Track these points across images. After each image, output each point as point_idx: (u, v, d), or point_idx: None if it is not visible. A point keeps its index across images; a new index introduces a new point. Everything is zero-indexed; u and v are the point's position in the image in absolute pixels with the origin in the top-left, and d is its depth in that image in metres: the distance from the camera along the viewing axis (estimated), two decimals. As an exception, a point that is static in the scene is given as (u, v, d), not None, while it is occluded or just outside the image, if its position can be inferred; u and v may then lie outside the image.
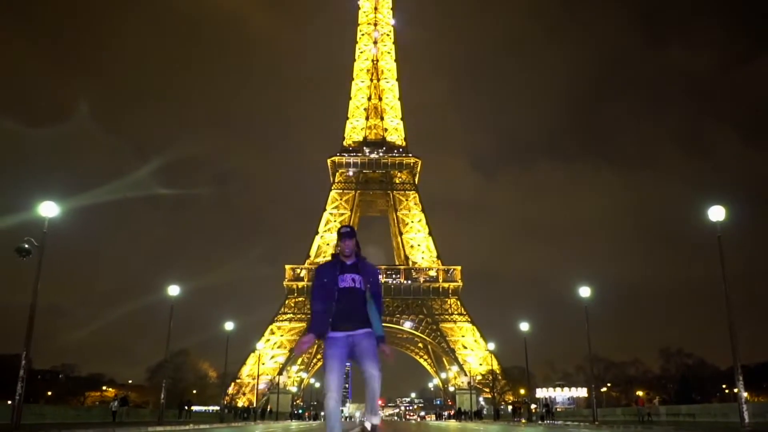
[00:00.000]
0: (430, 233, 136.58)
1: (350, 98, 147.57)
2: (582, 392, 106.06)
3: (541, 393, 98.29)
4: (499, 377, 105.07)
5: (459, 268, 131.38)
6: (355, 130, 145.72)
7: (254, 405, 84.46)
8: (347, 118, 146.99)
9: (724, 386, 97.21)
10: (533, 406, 75.29)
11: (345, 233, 6.07)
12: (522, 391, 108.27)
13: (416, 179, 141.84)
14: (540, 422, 42.59)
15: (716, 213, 23.29)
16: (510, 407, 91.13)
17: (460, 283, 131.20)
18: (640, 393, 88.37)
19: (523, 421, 53.72)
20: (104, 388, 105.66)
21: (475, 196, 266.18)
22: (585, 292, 37.81)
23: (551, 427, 28.81)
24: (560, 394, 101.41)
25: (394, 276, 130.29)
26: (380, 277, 6.31)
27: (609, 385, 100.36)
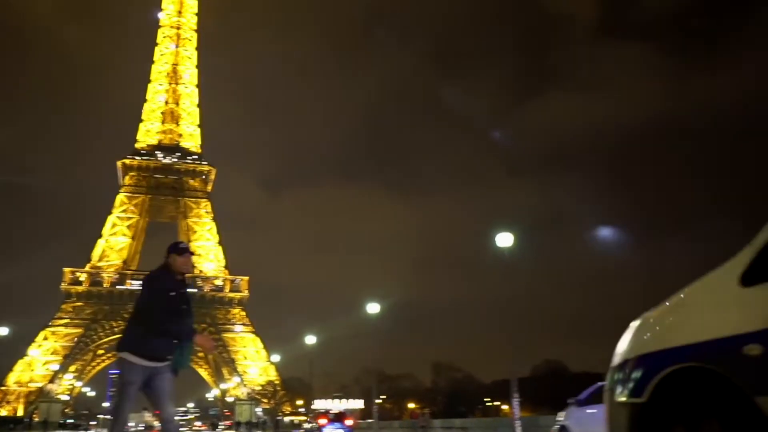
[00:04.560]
0: (219, 242, 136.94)
1: (146, 100, 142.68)
2: (359, 404, 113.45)
3: (318, 404, 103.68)
4: (279, 388, 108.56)
5: (246, 278, 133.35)
6: (149, 133, 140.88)
7: (20, 414, 78.62)
8: (141, 121, 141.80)
9: (486, 399, 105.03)
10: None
11: (186, 248, 5.45)
12: (299, 402, 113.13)
13: (209, 188, 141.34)
14: None
15: (504, 239, 24.48)
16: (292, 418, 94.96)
17: (246, 294, 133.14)
18: (411, 405, 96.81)
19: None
20: None
21: (266, 211, 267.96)
22: (373, 308, 40.87)
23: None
24: (337, 405, 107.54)
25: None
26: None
27: (384, 397, 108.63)
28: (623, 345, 2.97)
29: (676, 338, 2.60)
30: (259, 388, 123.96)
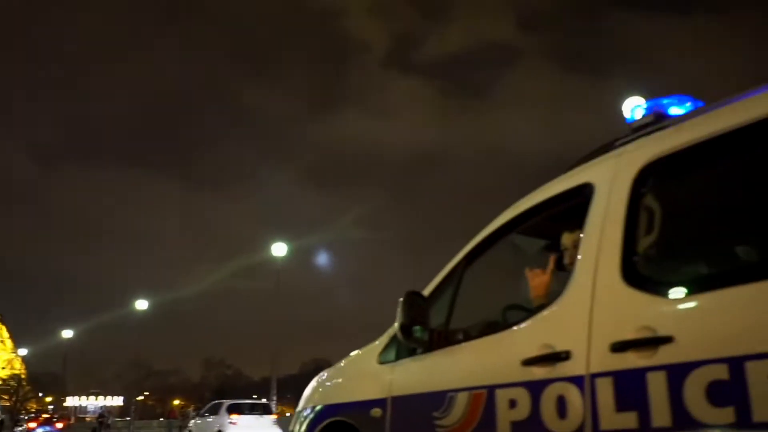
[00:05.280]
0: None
1: None
2: (118, 401, 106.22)
3: (72, 401, 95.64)
4: (24, 383, 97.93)
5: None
6: None
7: None
8: None
9: (254, 396, 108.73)
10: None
11: None
12: (49, 399, 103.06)
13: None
14: None
15: (279, 249, 28.85)
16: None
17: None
18: (176, 402, 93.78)
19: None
20: None
21: (34, 185, 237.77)
22: (142, 305, 41.79)
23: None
24: (93, 403, 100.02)
25: None
26: None
27: (147, 393, 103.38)
28: (305, 395, 3.65)
29: (335, 397, 3.33)
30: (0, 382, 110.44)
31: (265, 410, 22.12)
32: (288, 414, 26.72)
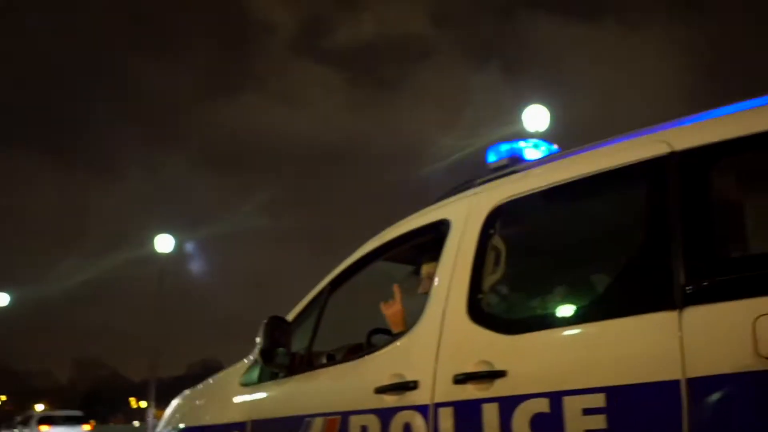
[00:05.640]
0: None
1: None
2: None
3: None
4: None
5: None
6: None
7: None
8: None
9: (132, 399, 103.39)
10: None
11: None
12: None
13: None
14: None
15: (163, 241, 25.39)
16: None
17: None
18: (40, 407, 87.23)
19: None
20: None
21: None
22: (2, 299, 38.71)
23: None
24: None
25: None
26: None
27: (5, 397, 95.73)
28: (166, 415, 3.58)
29: (196, 419, 3.30)
30: None
31: (79, 422, 22.38)
32: (112, 424, 26.50)
